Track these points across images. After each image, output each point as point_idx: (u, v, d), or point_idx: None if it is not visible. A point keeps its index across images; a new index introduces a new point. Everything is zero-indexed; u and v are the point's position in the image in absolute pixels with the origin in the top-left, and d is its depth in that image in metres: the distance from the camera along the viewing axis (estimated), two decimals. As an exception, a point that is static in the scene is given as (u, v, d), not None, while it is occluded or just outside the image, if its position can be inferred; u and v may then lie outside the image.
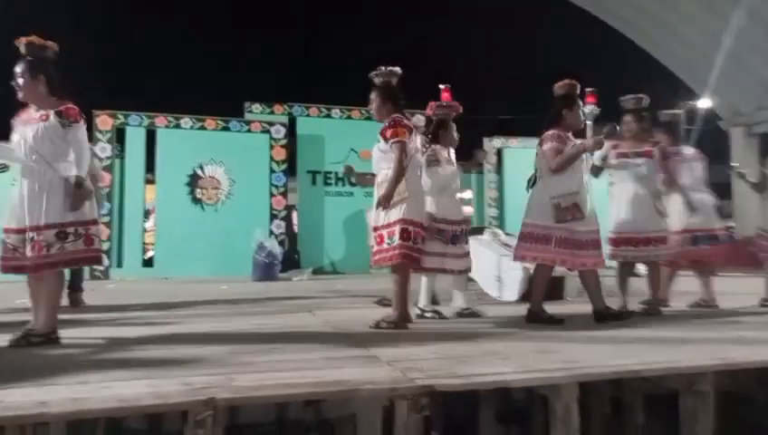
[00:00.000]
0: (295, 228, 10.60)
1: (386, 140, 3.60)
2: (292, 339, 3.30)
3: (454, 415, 3.28)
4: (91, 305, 5.09)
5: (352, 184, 10.18)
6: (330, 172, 10.55)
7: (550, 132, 3.85)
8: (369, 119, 10.99)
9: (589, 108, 6.75)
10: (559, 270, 5.40)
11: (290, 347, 3.03)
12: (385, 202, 3.54)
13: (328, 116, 10.74)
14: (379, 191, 3.62)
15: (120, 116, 9.36)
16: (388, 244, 3.53)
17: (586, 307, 4.04)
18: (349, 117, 10.78)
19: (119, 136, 9.41)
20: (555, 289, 5.14)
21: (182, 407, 2.08)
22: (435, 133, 4.22)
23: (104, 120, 9.19)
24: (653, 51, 13.27)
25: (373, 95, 3.74)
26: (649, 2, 12.06)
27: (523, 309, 4.44)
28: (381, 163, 3.67)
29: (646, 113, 4.51)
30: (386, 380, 2.28)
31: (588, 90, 6.84)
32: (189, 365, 2.60)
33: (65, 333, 3.23)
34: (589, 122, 6.88)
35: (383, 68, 3.72)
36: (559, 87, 3.98)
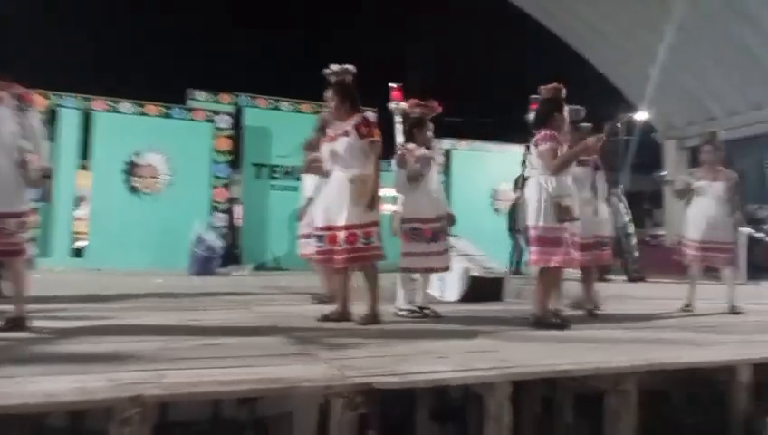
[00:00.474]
0: (238, 222, 10.35)
1: (361, 136, 3.60)
2: (228, 335, 3.22)
3: (391, 414, 3.30)
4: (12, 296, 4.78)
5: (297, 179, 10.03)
6: (276, 166, 10.36)
7: (544, 133, 3.80)
8: (318, 112, 10.89)
9: (532, 114, 6.93)
10: (500, 272, 5.56)
11: (225, 344, 2.95)
12: (374, 203, 3.60)
13: (276, 108, 10.54)
14: (351, 187, 3.58)
15: (53, 97, 8.85)
16: (365, 243, 3.56)
17: (524, 309, 4.15)
18: (298, 110, 10.62)
19: (51, 118, 8.89)
20: (494, 290, 5.27)
21: (107, 403, 1.99)
22: (410, 132, 4.21)
23: (36, 100, 8.65)
24: (596, 63, 13.81)
25: (330, 93, 3.73)
26: (590, 13, 12.52)
27: (464, 309, 4.52)
28: (351, 160, 3.63)
29: (582, 124, 4.66)
30: (322, 377, 2.26)
31: (533, 97, 7.02)
32: (117, 361, 2.48)
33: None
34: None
35: (337, 66, 3.71)
36: (546, 90, 4.02)
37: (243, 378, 2.24)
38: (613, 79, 13.85)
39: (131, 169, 9.04)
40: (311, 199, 4.52)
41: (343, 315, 3.71)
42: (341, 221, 3.59)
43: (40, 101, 8.69)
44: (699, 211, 4.99)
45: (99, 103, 9.08)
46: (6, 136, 3.07)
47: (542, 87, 4.06)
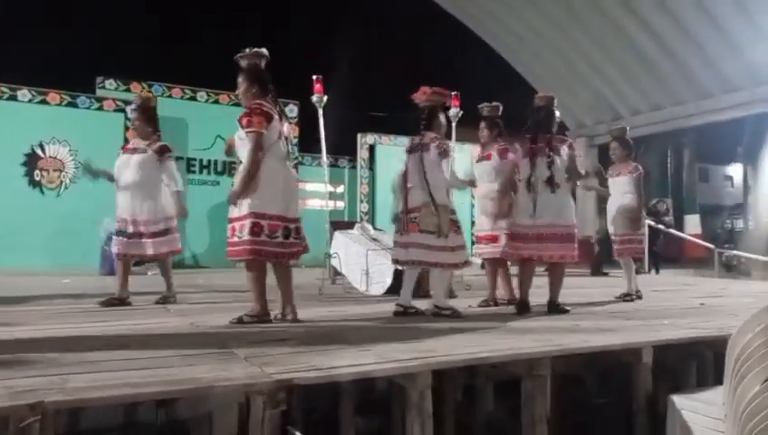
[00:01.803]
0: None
1: (242, 126, 3.44)
2: (142, 337, 3.06)
3: (316, 409, 3.27)
4: None
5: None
6: (193, 159, 9.99)
7: (568, 140, 4.27)
8: (237, 104, 10.57)
9: (453, 111, 7.10)
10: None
11: (140, 345, 2.80)
12: (235, 198, 3.40)
13: (193, 98, 10.15)
14: (235, 181, 3.47)
15: (-61, 81, 8.03)
16: (239, 238, 3.38)
17: (451, 302, 4.23)
18: (216, 101, 10.29)
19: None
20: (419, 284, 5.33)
21: (2, 412, 1.82)
22: (429, 121, 4.04)
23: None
24: (512, 62, 14.37)
25: (240, 78, 3.55)
26: (508, 17, 13.03)
27: (388, 302, 4.54)
28: (240, 151, 3.51)
29: (500, 120, 4.83)
30: (242, 376, 2.19)
31: (453, 93, 7.18)
32: (13, 367, 2.28)
33: None
34: (453, 124, 7.25)
35: (248, 49, 3.55)
36: (541, 99, 4.35)
37: (157, 380, 2.12)
38: (528, 78, 14.47)
39: (32, 161, 8.38)
40: None
41: (262, 316, 3.55)
42: (230, 214, 3.50)
43: None
44: (609, 206, 5.35)
45: (-8, 90, 8.34)
46: None
47: (538, 96, 4.34)
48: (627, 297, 5.16)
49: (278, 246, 3.43)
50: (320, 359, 2.44)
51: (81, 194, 8.60)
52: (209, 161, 10.04)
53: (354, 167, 11.63)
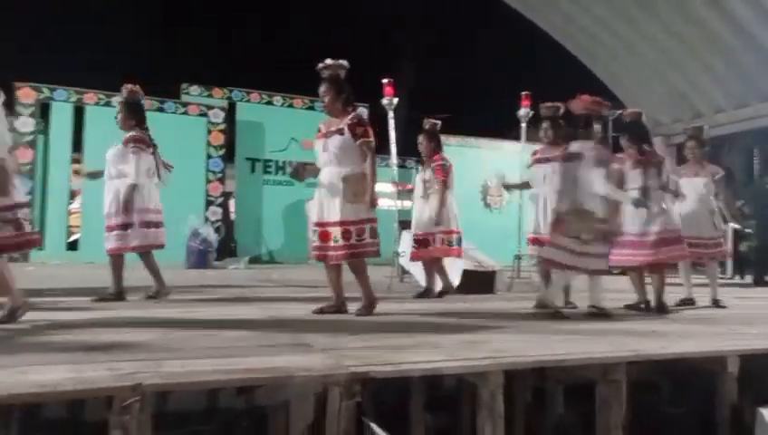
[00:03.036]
0: (232, 216, 10.37)
1: (355, 137, 3.62)
2: (225, 326, 3.26)
3: (386, 402, 3.36)
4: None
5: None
6: (269, 160, 10.38)
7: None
8: (311, 108, 10.93)
9: (524, 111, 7.01)
10: (490, 264, 5.62)
11: (223, 334, 2.99)
12: (372, 203, 3.66)
13: (269, 103, 10.56)
14: (344, 186, 3.60)
15: (45, 90, 8.81)
16: (357, 240, 3.59)
17: (516, 302, 4.21)
18: (290, 105, 10.65)
19: (43, 111, 8.86)
20: (486, 284, 5.33)
21: (107, 392, 2.02)
22: (586, 129, 4.12)
23: (27, 93, 8.61)
24: (587, 62, 13.90)
25: (324, 88, 3.69)
26: (580, 16, 12.61)
27: (456, 300, 4.57)
28: (344, 158, 3.65)
29: (563, 121, 4.72)
30: (320, 367, 2.30)
31: (524, 93, 7.09)
32: (115, 351, 2.51)
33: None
34: (522, 125, 7.16)
35: (330, 61, 3.70)
36: (630, 115, 4.54)
37: (241, 367, 2.28)
38: (603, 78, 13.95)
39: (125, 163, 9.02)
40: None
41: (339, 308, 3.75)
42: (335, 217, 3.62)
43: (30, 94, 8.67)
44: (683, 208, 5.08)
45: (91, 97, 9.05)
46: None
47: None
48: (686, 303, 4.92)
49: (369, 247, 3.70)
50: (393, 354, 2.52)
51: (170, 193, 9.15)
52: (284, 163, 10.41)
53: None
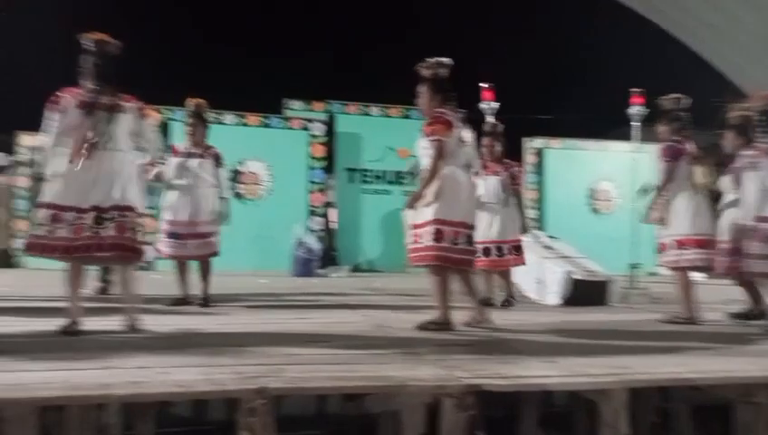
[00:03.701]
0: (333, 225, 10.70)
1: (426, 135, 3.54)
2: (335, 334, 3.35)
3: (494, 416, 3.28)
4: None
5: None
6: (367, 170, 10.60)
7: None
8: (407, 117, 11.04)
9: (636, 108, 6.60)
10: (604, 275, 5.32)
11: (334, 342, 3.07)
12: (412, 202, 3.50)
13: (366, 114, 10.79)
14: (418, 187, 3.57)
15: (165, 110, 9.61)
16: (422, 244, 3.45)
17: (634, 314, 3.96)
18: (387, 115, 10.82)
19: (163, 130, 9.67)
20: (598, 295, 5.06)
21: (235, 394, 2.14)
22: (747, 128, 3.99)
23: (151, 114, 9.45)
24: (703, 53, 12.86)
25: (421, 88, 3.60)
26: (697, 3, 11.70)
27: (566, 312, 4.39)
28: (423, 160, 3.62)
29: (684, 114, 4.33)
30: (432, 378, 2.30)
31: (634, 90, 6.69)
32: (239, 355, 2.67)
33: (113, 321, 3.35)
34: (635, 123, 6.74)
35: (431, 59, 3.60)
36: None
37: (356, 375, 2.32)
38: (723, 69, 12.81)
39: (236, 176, 9.63)
40: None
41: (445, 323, 3.56)
42: (413, 220, 3.56)
43: (154, 115, 9.50)
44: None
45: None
46: (127, 141, 3.33)
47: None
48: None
49: (462, 253, 3.46)
50: (506, 367, 2.46)
51: (276, 204, 9.66)
52: (382, 172, 10.58)
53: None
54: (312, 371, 2.40)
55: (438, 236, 3.39)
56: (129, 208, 3.22)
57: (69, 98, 3.23)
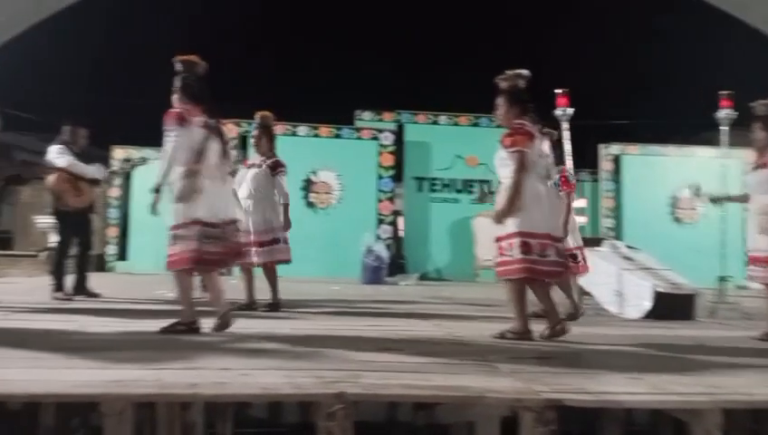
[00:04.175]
0: (401, 233, 10.75)
1: (505, 147, 3.51)
2: (408, 342, 3.36)
3: (570, 431, 3.17)
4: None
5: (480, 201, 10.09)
6: (436, 179, 10.59)
7: None
8: (476, 125, 10.97)
9: (724, 112, 6.22)
10: (690, 288, 5.02)
11: (407, 350, 3.08)
12: (500, 217, 3.45)
13: (435, 123, 10.80)
14: (498, 199, 3.55)
15: (245, 124, 10.05)
16: (510, 256, 3.41)
17: (724, 331, 3.72)
18: (456, 123, 10.78)
19: (242, 143, 10.10)
20: (683, 309, 4.79)
21: (315, 398, 2.20)
22: None
23: (230, 129, 9.91)
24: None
25: (500, 100, 3.61)
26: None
27: (649, 327, 4.20)
28: (501, 171, 3.59)
29: None
30: (510, 390, 2.25)
31: (722, 93, 6.31)
32: (316, 359, 2.73)
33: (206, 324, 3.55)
34: (723, 128, 6.35)
35: (510, 71, 3.61)
36: None
37: (431, 384, 2.32)
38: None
39: (308, 185, 9.91)
40: None
41: (524, 333, 3.53)
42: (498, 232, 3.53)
43: (233, 129, 9.95)
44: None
45: (280, 128, 10.09)
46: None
47: None
48: None
49: (552, 265, 3.42)
50: (587, 382, 2.37)
51: (346, 213, 9.85)
52: (450, 180, 10.55)
53: (596, 180, 10.94)
54: (387, 378, 2.42)
55: (526, 248, 3.36)
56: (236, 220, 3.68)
57: (189, 117, 3.49)
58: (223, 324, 3.48)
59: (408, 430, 4.26)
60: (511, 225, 3.42)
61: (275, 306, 4.71)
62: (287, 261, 4.91)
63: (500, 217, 3.45)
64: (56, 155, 5.21)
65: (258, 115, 5.03)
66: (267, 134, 4.99)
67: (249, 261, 4.66)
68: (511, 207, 3.39)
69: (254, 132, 5.03)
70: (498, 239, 3.51)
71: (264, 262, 4.76)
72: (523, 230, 3.37)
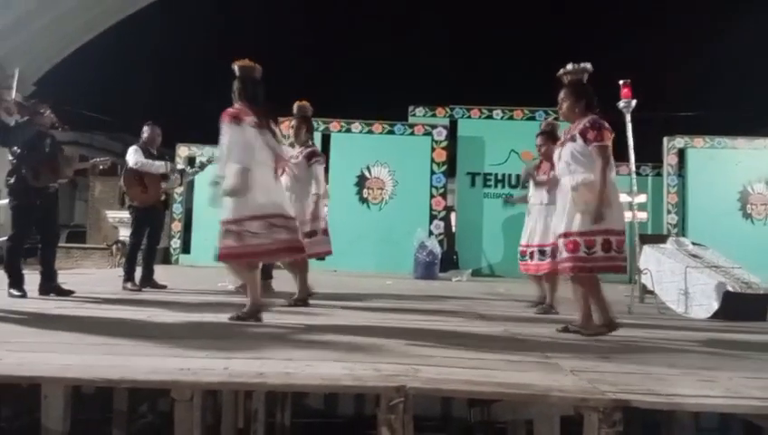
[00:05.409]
0: (453, 229, 10.69)
1: (586, 141, 3.41)
2: (466, 337, 3.34)
3: (631, 433, 3.07)
4: (279, 292, 5.59)
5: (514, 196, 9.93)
6: (489, 174, 10.45)
7: None
8: (531, 119, 10.73)
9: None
10: (763, 287, 4.76)
11: (465, 345, 3.06)
12: (597, 216, 3.33)
13: (489, 117, 10.65)
14: (573, 195, 3.43)
15: (300, 121, 10.24)
16: (586, 253, 3.35)
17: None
18: (510, 117, 10.59)
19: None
20: (756, 309, 4.54)
21: (376, 391, 2.22)
22: None
23: (286, 127, 10.12)
24: None
25: (563, 94, 3.55)
26: None
27: (717, 327, 4.01)
28: (575, 166, 3.47)
29: None
30: (574, 389, 2.20)
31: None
32: (376, 352, 2.75)
33: (267, 316, 3.66)
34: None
35: (571, 66, 3.54)
36: None
37: (493, 381, 2.30)
38: None
39: (362, 181, 10.00)
40: None
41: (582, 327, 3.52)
42: (561, 229, 3.48)
43: (286, 125, 10.16)
44: None
45: (335, 125, 10.23)
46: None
47: None
48: None
49: (624, 261, 3.44)
50: (654, 383, 2.29)
51: (399, 208, 9.89)
52: (503, 175, 10.39)
53: (659, 174, 10.50)
54: (446, 373, 2.41)
55: (606, 246, 3.34)
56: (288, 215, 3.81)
57: (243, 116, 3.62)
58: (243, 317, 3.58)
59: (462, 425, 4.25)
60: (587, 222, 3.35)
61: (299, 302, 4.47)
62: (328, 253, 4.91)
63: (598, 215, 3.33)
64: (129, 154, 5.64)
65: (296, 105, 5.01)
66: (306, 123, 4.97)
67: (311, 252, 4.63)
68: (604, 203, 3.33)
69: (293, 122, 4.99)
70: (568, 235, 3.42)
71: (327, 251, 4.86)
72: (608, 228, 3.35)
